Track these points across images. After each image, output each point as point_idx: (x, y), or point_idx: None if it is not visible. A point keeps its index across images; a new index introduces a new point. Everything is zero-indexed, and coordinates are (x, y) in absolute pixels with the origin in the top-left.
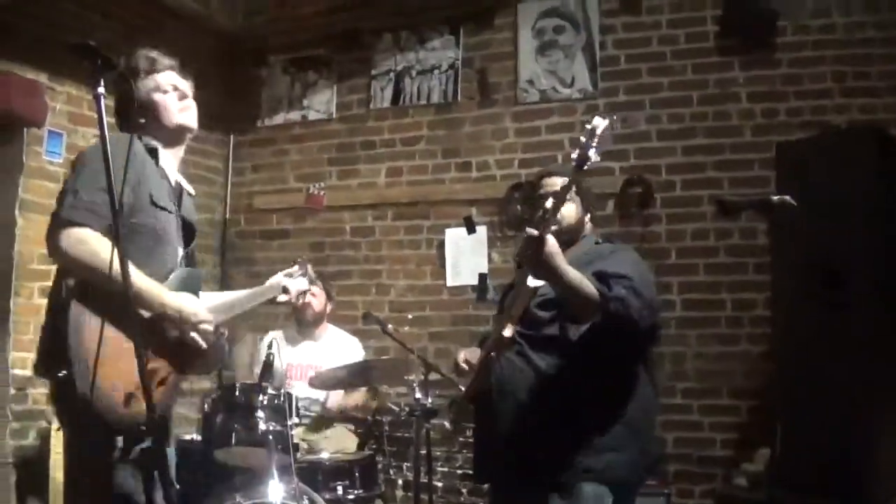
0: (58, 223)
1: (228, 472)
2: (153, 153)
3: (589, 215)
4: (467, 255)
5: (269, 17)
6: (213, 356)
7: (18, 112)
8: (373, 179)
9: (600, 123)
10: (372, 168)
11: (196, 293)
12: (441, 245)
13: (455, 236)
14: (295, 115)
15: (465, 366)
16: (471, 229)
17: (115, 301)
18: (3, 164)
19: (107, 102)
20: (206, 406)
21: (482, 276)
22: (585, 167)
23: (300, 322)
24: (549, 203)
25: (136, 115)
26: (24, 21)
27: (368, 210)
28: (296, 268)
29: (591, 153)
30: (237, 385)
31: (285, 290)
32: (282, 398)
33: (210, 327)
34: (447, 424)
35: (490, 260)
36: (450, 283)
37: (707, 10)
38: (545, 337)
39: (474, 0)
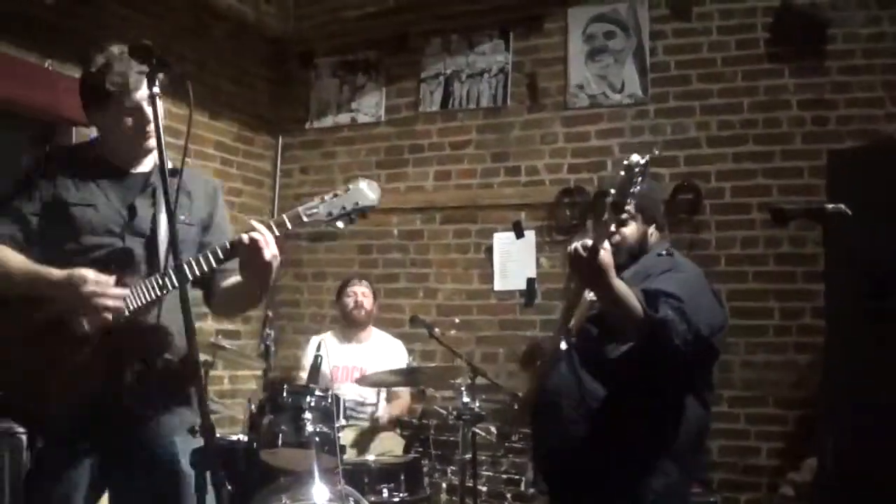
0: None
1: (274, 474)
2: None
3: (654, 226)
4: (515, 260)
5: (317, 21)
6: (148, 337)
7: (67, 112)
8: (421, 183)
9: (638, 161)
10: (420, 171)
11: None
12: (489, 249)
13: (503, 241)
14: (344, 118)
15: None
16: (519, 234)
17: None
18: None
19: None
20: (252, 407)
21: (530, 281)
22: (626, 207)
23: (348, 323)
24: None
25: None
26: (73, 21)
27: (416, 213)
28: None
29: (633, 189)
30: (285, 387)
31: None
32: (329, 400)
33: (116, 291)
34: (492, 429)
35: (538, 265)
36: (497, 287)
37: (758, 17)
38: (594, 354)
39: (524, 4)
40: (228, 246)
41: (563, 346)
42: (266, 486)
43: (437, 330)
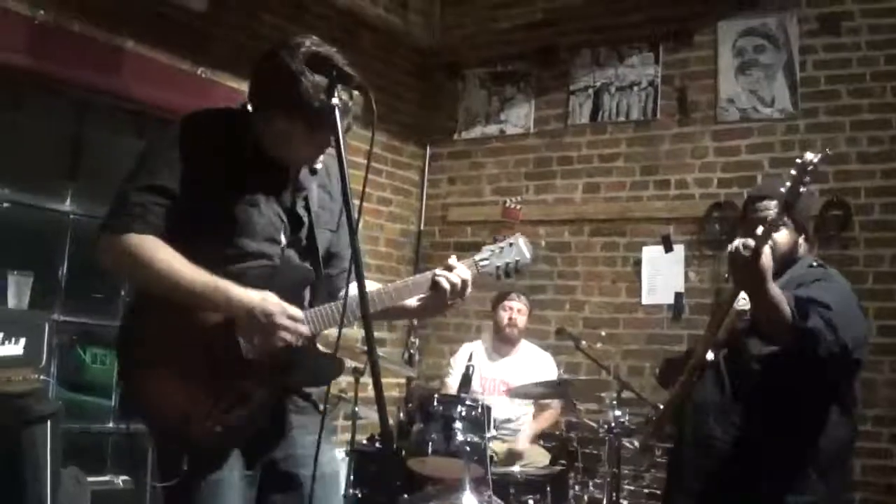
0: (100, 233)
1: (422, 482)
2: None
3: (804, 236)
4: (664, 274)
5: (466, 32)
6: (315, 366)
7: None
8: (569, 195)
9: (812, 158)
10: (569, 183)
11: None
12: (637, 263)
13: (652, 254)
14: (492, 129)
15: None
16: (668, 248)
17: (175, 311)
18: None
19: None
20: (400, 415)
21: (678, 296)
22: (796, 203)
23: (499, 337)
24: (759, 230)
25: None
26: (224, 30)
27: (565, 225)
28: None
29: (802, 189)
30: (435, 396)
31: (435, 286)
32: (480, 410)
33: (303, 329)
34: (636, 443)
35: (687, 279)
36: (645, 301)
37: None
38: (752, 369)
39: (674, 17)
40: (429, 281)
41: (710, 356)
42: (414, 494)
43: (583, 343)
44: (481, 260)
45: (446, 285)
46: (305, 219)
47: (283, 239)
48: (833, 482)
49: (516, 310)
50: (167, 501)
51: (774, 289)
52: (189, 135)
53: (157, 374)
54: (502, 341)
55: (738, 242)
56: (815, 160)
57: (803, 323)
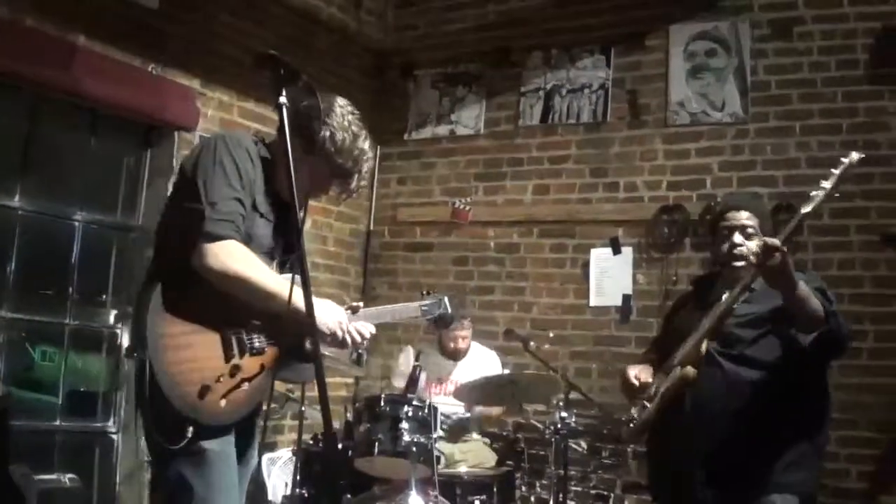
0: (203, 239)
1: (369, 482)
2: (266, 162)
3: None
4: (612, 276)
5: (419, 33)
6: (300, 366)
7: (170, 116)
8: (519, 196)
9: (854, 158)
10: (519, 185)
11: None
12: (586, 264)
13: (600, 256)
14: (443, 130)
15: (635, 381)
16: (616, 250)
17: (202, 291)
18: (153, 166)
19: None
20: (347, 415)
21: (626, 298)
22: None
23: (444, 352)
24: (779, 237)
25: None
26: (179, 28)
27: (514, 227)
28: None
29: (837, 190)
30: (383, 396)
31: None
32: (426, 410)
33: (367, 332)
34: (583, 444)
35: (635, 281)
36: (593, 302)
37: (858, 38)
38: (747, 355)
39: (626, 21)
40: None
41: (704, 348)
42: (360, 494)
43: (531, 344)
44: (423, 305)
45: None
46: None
47: (276, 256)
48: (821, 455)
49: (461, 337)
50: (166, 466)
51: (801, 282)
52: (242, 152)
53: (185, 344)
54: (447, 354)
55: (758, 242)
56: (856, 160)
57: (832, 308)
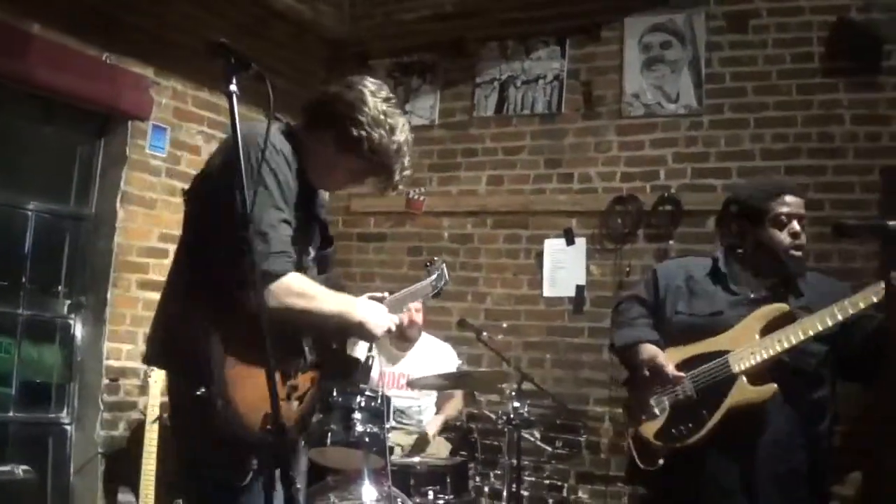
0: (262, 279)
1: (321, 473)
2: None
3: None
4: (565, 267)
5: (374, 22)
6: (362, 369)
7: (124, 105)
8: (473, 187)
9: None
10: (473, 175)
11: None
12: (539, 255)
13: (554, 247)
14: None
15: (671, 371)
16: (570, 241)
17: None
18: (107, 156)
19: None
20: None
21: (580, 289)
22: None
23: (400, 336)
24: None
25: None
26: (133, 16)
27: (468, 217)
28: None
29: None
30: (335, 386)
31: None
32: (380, 401)
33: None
34: (537, 434)
35: (588, 272)
36: (546, 293)
37: (814, 31)
38: (820, 374)
39: (582, 12)
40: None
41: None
42: (314, 484)
43: (485, 334)
44: (433, 282)
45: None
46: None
47: (311, 252)
48: None
49: (414, 309)
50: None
51: None
52: (280, 158)
53: (246, 373)
54: (402, 339)
55: None
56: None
57: None
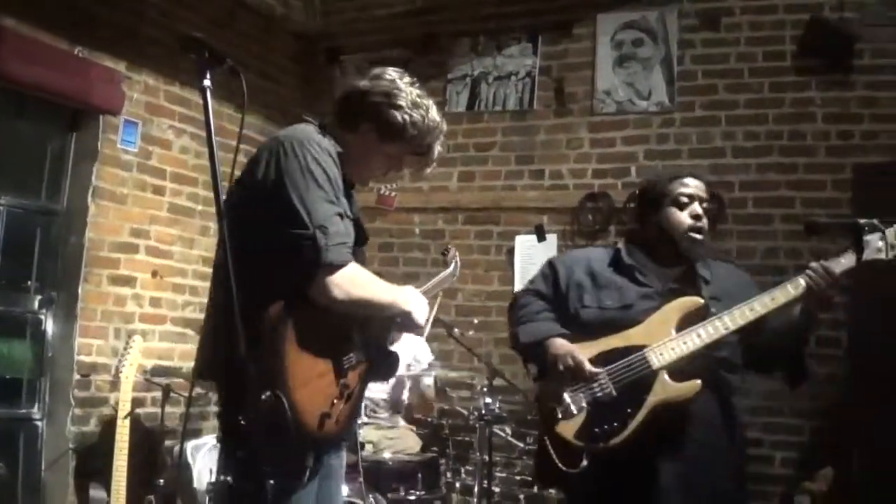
0: (325, 271)
1: None
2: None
3: None
4: (536, 263)
5: (345, 17)
6: (395, 362)
7: (95, 100)
8: (444, 183)
9: None
10: (444, 171)
11: None
12: (510, 251)
13: (525, 243)
14: None
15: (588, 368)
16: (541, 237)
17: (319, 319)
18: (78, 150)
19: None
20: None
21: None
22: None
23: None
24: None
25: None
26: (105, 10)
27: (439, 213)
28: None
29: None
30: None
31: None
32: None
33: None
34: (508, 430)
35: None
36: (518, 289)
37: (786, 29)
38: (730, 360)
39: (554, 9)
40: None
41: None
42: None
43: (456, 330)
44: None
45: None
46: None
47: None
48: None
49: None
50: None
51: None
52: (326, 156)
53: (309, 375)
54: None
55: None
56: None
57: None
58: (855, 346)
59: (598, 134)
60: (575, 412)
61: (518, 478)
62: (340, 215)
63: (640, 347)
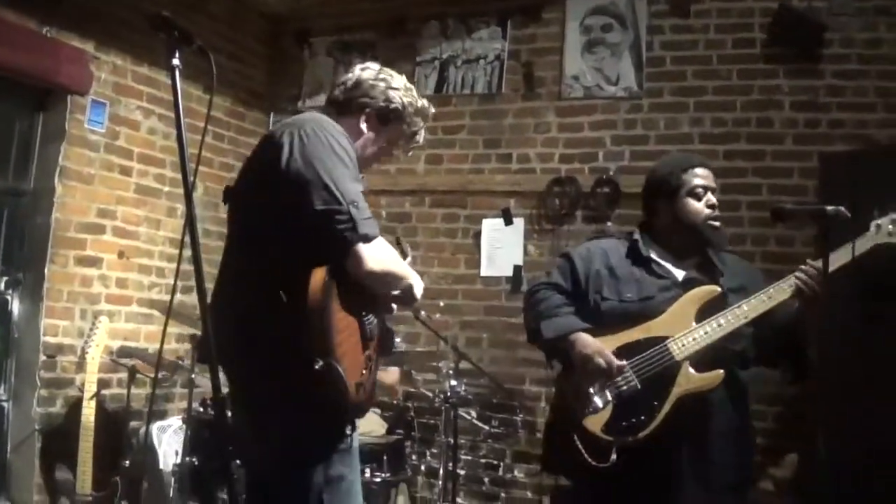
0: (362, 244)
1: None
2: None
3: None
4: (503, 247)
5: (314, 0)
6: (394, 338)
7: (63, 80)
8: (412, 166)
9: None
10: (411, 154)
11: None
12: (477, 235)
13: (492, 227)
14: None
15: (613, 364)
16: (508, 221)
17: (354, 292)
18: (46, 130)
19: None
20: None
21: (517, 268)
22: None
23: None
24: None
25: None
26: None
27: (406, 196)
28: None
29: None
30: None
31: None
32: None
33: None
34: (473, 413)
35: (526, 252)
36: (484, 273)
37: (755, 17)
38: (747, 354)
39: None
40: None
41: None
42: None
43: (422, 313)
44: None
45: None
46: None
47: None
48: None
49: None
50: (314, 469)
51: None
52: (345, 140)
53: (347, 346)
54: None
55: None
56: None
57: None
58: (818, 330)
59: (565, 119)
60: (600, 406)
61: (483, 461)
62: (364, 194)
63: (662, 339)
